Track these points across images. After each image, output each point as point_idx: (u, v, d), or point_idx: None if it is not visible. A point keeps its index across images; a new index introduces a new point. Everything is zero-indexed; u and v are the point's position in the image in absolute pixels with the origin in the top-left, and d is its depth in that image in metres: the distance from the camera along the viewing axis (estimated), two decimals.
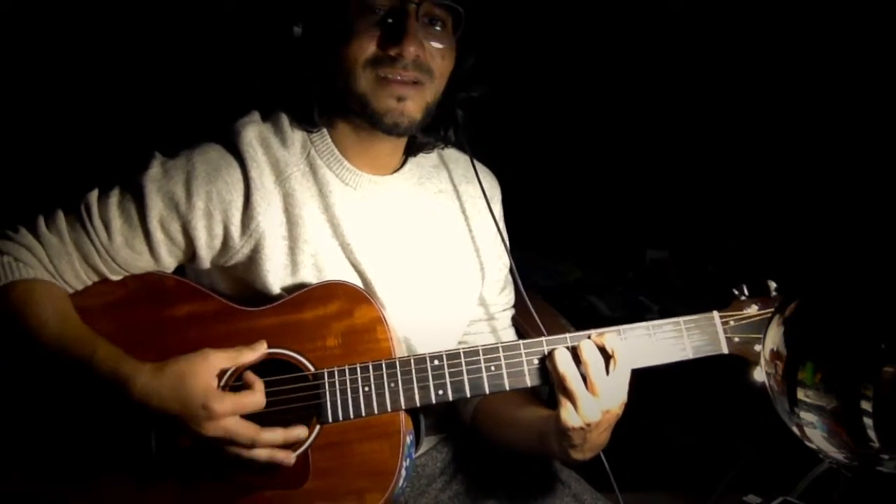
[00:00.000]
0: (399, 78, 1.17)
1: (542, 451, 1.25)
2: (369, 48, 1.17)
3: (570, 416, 1.13)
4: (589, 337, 1.17)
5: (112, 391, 1.13)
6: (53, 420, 1.19)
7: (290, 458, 1.15)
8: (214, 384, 1.13)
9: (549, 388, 1.19)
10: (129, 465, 1.18)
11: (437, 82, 1.22)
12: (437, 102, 1.24)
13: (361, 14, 1.17)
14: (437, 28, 1.21)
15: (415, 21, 1.17)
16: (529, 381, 1.19)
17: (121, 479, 1.18)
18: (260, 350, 1.18)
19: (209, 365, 1.13)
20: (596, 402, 1.12)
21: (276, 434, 1.14)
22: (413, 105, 1.20)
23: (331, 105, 1.25)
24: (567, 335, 1.19)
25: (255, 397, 1.15)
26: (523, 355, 1.19)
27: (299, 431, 1.17)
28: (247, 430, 1.12)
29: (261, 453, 1.14)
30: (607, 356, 1.15)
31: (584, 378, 1.13)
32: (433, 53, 1.20)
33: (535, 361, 1.19)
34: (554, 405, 1.17)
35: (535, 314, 1.28)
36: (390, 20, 1.17)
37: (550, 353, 1.16)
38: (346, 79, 1.19)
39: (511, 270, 1.33)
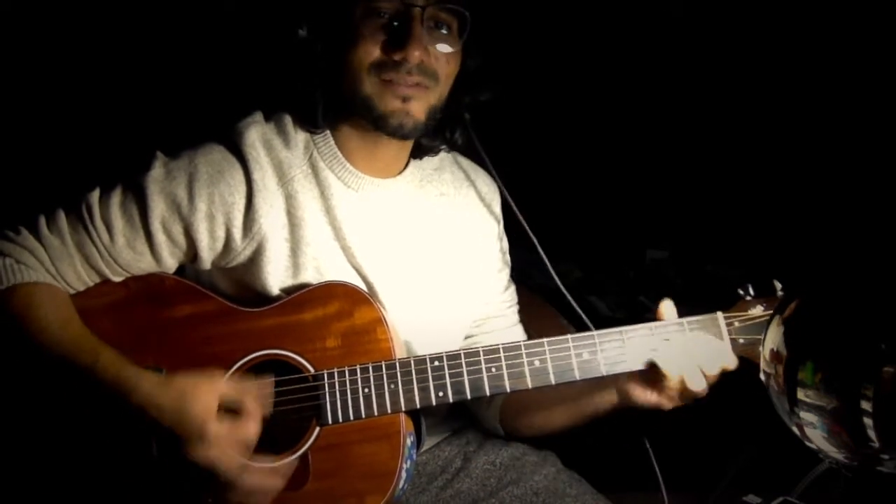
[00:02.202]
0: (403, 82, 1.18)
1: (611, 401, 1.27)
2: (374, 53, 1.17)
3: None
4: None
5: (113, 397, 1.13)
6: (55, 423, 1.19)
7: (276, 488, 1.14)
8: (214, 408, 1.11)
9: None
10: (130, 469, 1.17)
11: (442, 86, 1.22)
12: (441, 106, 1.24)
13: (366, 18, 1.17)
14: (443, 32, 1.21)
15: (420, 25, 1.16)
16: (531, 382, 1.19)
17: (122, 483, 1.17)
18: (266, 388, 1.17)
19: (214, 388, 1.12)
20: None
21: (265, 465, 1.13)
22: (417, 106, 1.20)
23: (335, 107, 1.25)
24: (569, 336, 1.20)
25: (251, 427, 1.13)
26: (524, 356, 1.19)
27: (290, 463, 1.16)
28: (236, 458, 1.11)
29: (246, 482, 1.11)
30: None
31: None
32: (438, 57, 1.20)
33: (536, 363, 1.19)
34: None
35: (574, 303, 1.30)
36: (395, 24, 1.17)
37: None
38: (352, 82, 1.20)
39: (545, 267, 1.32)
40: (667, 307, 1.22)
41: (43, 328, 1.17)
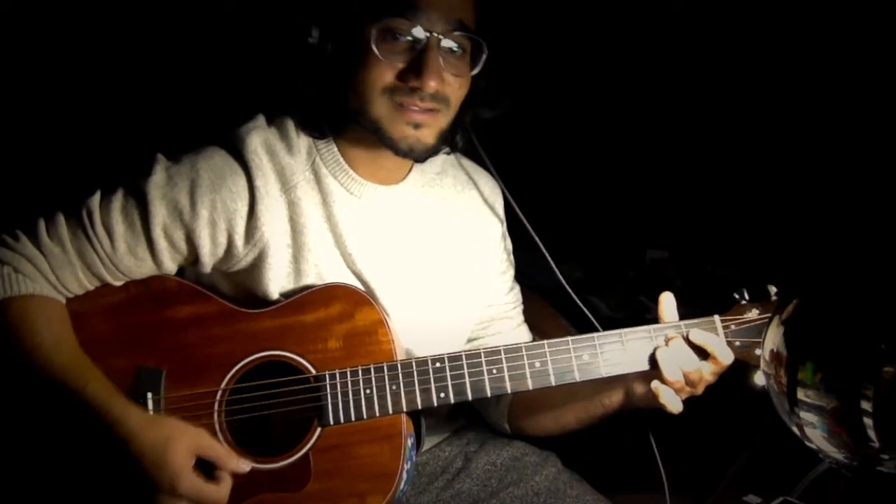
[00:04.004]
0: (416, 108, 1.17)
1: (621, 402, 1.28)
2: (388, 76, 1.16)
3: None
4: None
5: (98, 425, 1.13)
6: (41, 437, 1.18)
7: None
8: (191, 463, 1.12)
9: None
10: (108, 489, 1.17)
11: (453, 109, 1.21)
12: (450, 126, 1.23)
13: (382, 40, 1.15)
14: (457, 56, 1.19)
15: (437, 54, 1.15)
16: (531, 383, 1.19)
17: (121, 486, 1.17)
18: (245, 468, 1.17)
19: (197, 444, 1.13)
20: None
21: None
22: (428, 132, 1.19)
23: (341, 114, 1.24)
24: (569, 338, 1.20)
25: (220, 493, 1.14)
26: (525, 358, 1.20)
27: None
28: None
29: None
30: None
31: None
32: (451, 83, 1.18)
33: (537, 364, 1.19)
34: None
35: (580, 303, 1.32)
36: (411, 50, 1.15)
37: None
38: (361, 100, 1.18)
39: (547, 267, 1.33)
40: (667, 300, 1.23)
41: (36, 346, 1.16)
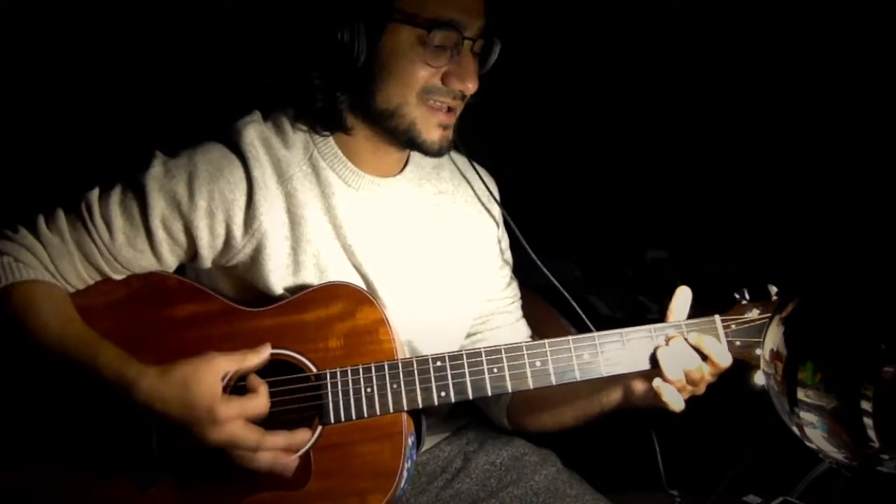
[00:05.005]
0: (447, 108, 1.22)
1: (621, 399, 1.29)
2: (429, 80, 1.20)
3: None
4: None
5: (115, 394, 1.12)
6: (55, 421, 1.19)
7: (292, 463, 1.15)
8: (219, 389, 1.12)
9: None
10: (130, 466, 1.18)
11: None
12: None
13: (421, 43, 1.18)
14: (477, 55, 1.24)
15: (474, 58, 1.22)
16: (532, 382, 1.19)
17: (122, 480, 1.18)
18: (264, 354, 1.18)
19: (214, 369, 1.12)
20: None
21: (280, 438, 1.14)
22: (451, 130, 1.25)
23: (350, 113, 1.26)
24: (570, 337, 1.20)
25: (260, 401, 1.14)
26: (525, 357, 1.20)
27: (302, 435, 1.17)
28: (251, 434, 1.12)
29: (264, 457, 1.13)
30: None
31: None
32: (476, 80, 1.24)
33: (537, 363, 1.20)
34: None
35: (571, 300, 1.33)
36: (449, 53, 1.20)
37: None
38: (397, 103, 1.21)
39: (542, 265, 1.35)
40: (682, 295, 1.24)
41: (43, 325, 1.17)
